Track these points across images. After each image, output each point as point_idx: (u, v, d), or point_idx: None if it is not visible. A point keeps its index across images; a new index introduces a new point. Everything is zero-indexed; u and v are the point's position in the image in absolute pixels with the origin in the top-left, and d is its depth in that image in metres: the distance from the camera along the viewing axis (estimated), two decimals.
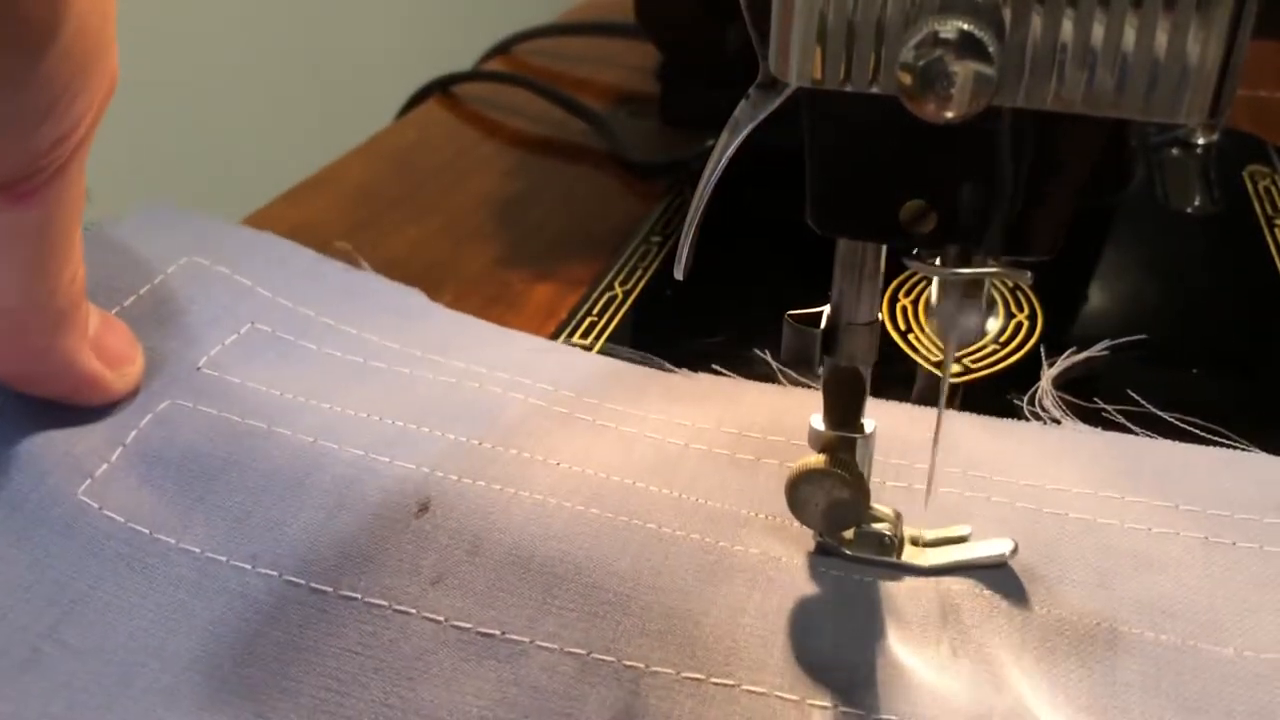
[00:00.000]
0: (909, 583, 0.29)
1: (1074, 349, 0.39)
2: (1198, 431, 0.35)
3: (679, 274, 0.26)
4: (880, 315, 0.28)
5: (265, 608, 0.29)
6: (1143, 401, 0.37)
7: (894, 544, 0.30)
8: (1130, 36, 0.20)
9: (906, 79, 0.20)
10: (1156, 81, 0.20)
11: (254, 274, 0.41)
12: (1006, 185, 0.23)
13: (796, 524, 0.29)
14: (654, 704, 0.26)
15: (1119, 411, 0.36)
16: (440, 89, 0.69)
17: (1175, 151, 0.57)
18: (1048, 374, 0.38)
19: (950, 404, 0.38)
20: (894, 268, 0.26)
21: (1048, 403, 0.37)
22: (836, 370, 0.28)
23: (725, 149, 0.25)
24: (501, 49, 0.76)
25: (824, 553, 0.30)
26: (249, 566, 0.30)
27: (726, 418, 0.36)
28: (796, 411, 0.36)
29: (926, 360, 0.40)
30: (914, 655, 0.27)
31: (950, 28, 0.20)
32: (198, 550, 0.30)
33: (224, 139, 1.16)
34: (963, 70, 0.20)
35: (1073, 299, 0.45)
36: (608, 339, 0.42)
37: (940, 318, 0.27)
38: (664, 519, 0.31)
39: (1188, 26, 0.19)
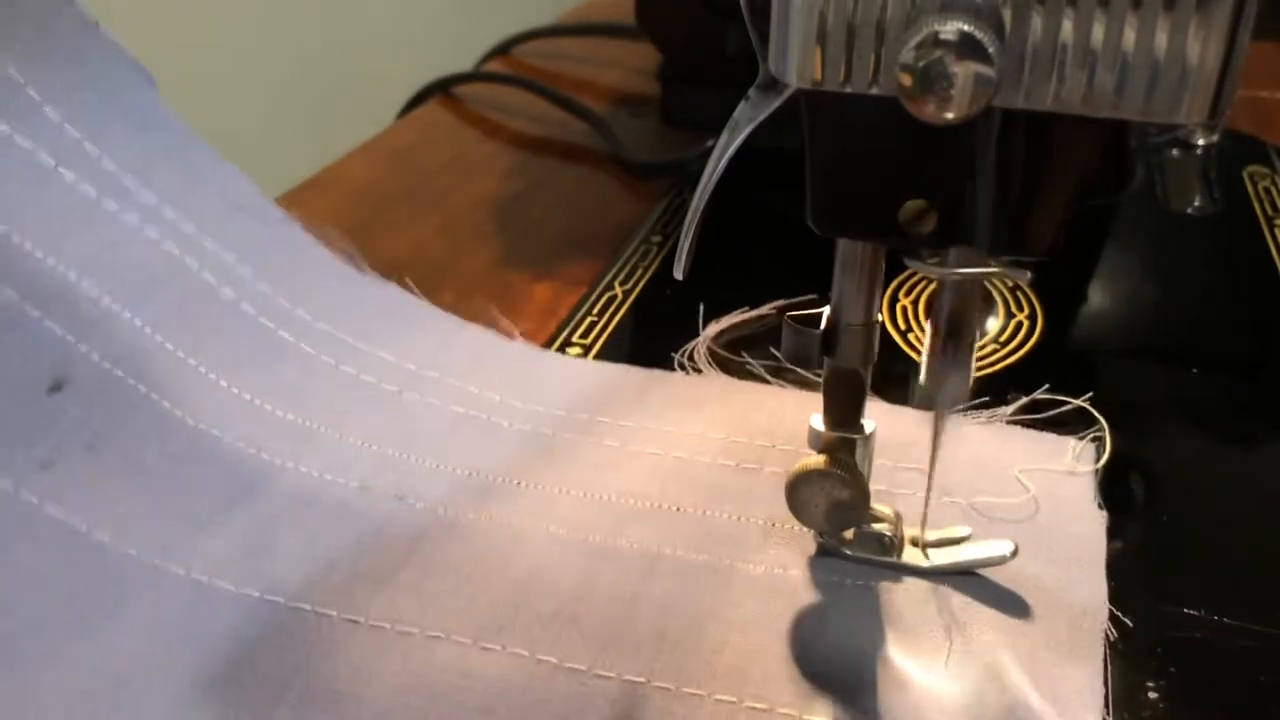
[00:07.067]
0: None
1: (745, 308, 0.42)
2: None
3: (679, 274, 0.26)
4: (880, 316, 0.28)
5: None
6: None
7: (894, 544, 0.30)
8: (1130, 37, 0.20)
9: (906, 80, 0.20)
10: (1156, 82, 0.20)
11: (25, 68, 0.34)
12: (1006, 185, 0.23)
13: (797, 525, 0.29)
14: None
15: (764, 367, 0.39)
16: (441, 90, 0.69)
17: (1175, 152, 0.57)
18: (705, 333, 0.41)
19: None
20: (894, 268, 0.26)
21: (697, 356, 0.40)
22: (836, 371, 0.28)
23: (725, 149, 0.25)
24: (502, 50, 0.76)
25: (824, 553, 0.30)
26: None
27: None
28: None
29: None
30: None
31: (950, 29, 0.20)
32: None
33: (224, 139, 1.16)
34: (963, 71, 0.20)
35: (1073, 299, 0.45)
36: (607, 339, 0.42)
37: (929, 376, 0.27)
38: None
39: (1188, 27, 0.19)
